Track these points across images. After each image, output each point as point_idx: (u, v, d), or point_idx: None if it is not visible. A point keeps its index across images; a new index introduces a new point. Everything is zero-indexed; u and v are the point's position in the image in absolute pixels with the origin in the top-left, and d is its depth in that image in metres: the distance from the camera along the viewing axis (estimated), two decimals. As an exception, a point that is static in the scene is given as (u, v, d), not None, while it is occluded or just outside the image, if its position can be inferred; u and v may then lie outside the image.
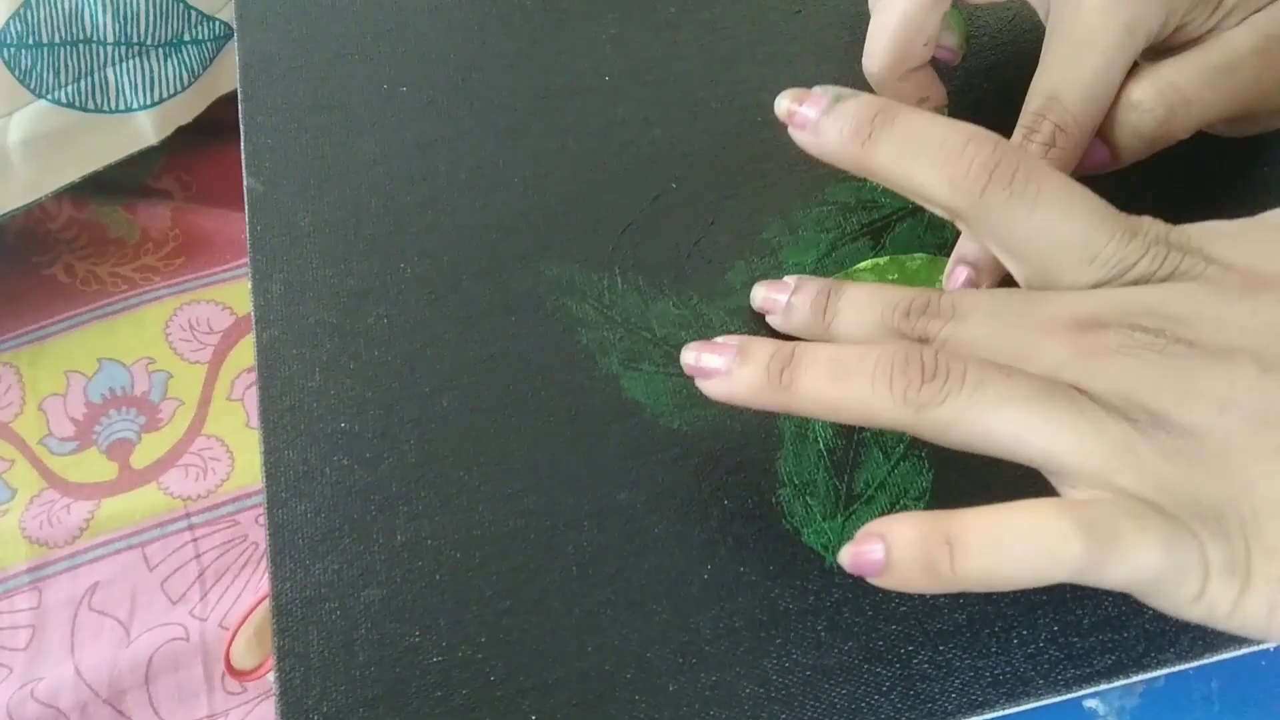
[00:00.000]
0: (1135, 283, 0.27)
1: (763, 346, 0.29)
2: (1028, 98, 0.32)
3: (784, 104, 0.30)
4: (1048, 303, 0.27)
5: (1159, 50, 0.32)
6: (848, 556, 0.26)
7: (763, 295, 0.34)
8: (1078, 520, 0.24)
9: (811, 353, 0.28)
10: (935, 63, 0.37)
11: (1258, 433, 0.24)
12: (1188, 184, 0.37)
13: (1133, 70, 0.32)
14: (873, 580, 0.25)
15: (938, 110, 0.36)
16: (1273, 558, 0.24)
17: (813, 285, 0.32)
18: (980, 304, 0.28)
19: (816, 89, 0.29)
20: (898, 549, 0.25)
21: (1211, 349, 0.25)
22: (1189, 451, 0.24)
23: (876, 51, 0.35)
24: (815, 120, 0.29)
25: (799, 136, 0.30)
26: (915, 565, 0.25)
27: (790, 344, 0.28)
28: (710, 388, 0.30)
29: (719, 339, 0.30)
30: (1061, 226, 0.27)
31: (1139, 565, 0.24)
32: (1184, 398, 0.25)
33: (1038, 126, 0.32)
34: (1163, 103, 0.32)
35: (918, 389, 0.26)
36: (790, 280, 0.33)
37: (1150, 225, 0.27)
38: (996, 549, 0.24)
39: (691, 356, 0.30)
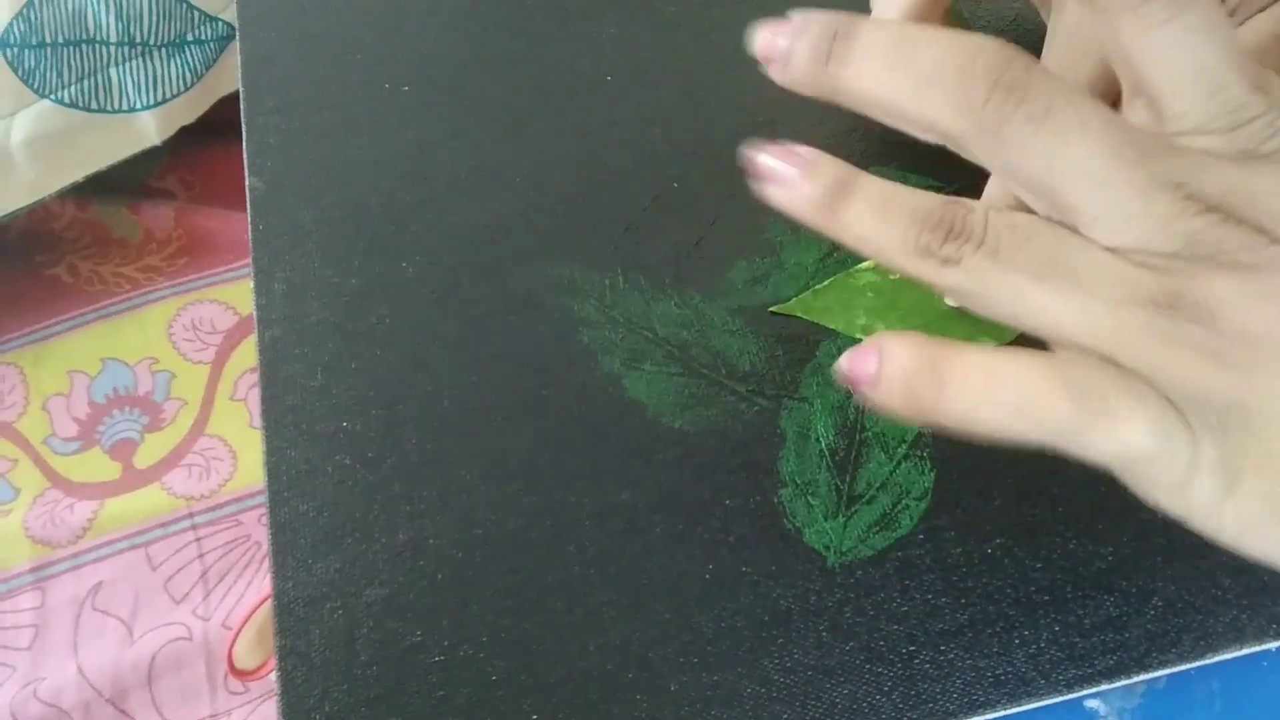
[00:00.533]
0: (1243, 146, 0.23)
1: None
2: None
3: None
4: (1149, 157, 0.23)
5: None
6: (845, 362, 0.24)
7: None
8: (1070, 380, 0.23)
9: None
10: None
11: None
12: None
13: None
14: (865, 391, 0.24)
15: None
16: (1266, 465, 0.23)
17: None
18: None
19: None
20: (888, 366, 0.24)
21: None
22: (1219, 351, 0.22)
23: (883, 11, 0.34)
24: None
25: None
26: (899, 387, 0.24)
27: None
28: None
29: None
30: (1200, 40, 0.23)
31: (1125, 441, 0.22)
32: (1250, 301, 0.22)
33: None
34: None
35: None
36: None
37: (1277, 82, 0.24)
38: (980, 392, 0.23)
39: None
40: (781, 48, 0.25)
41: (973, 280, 0.23)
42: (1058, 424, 0.23)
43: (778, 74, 0.26)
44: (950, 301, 0.35)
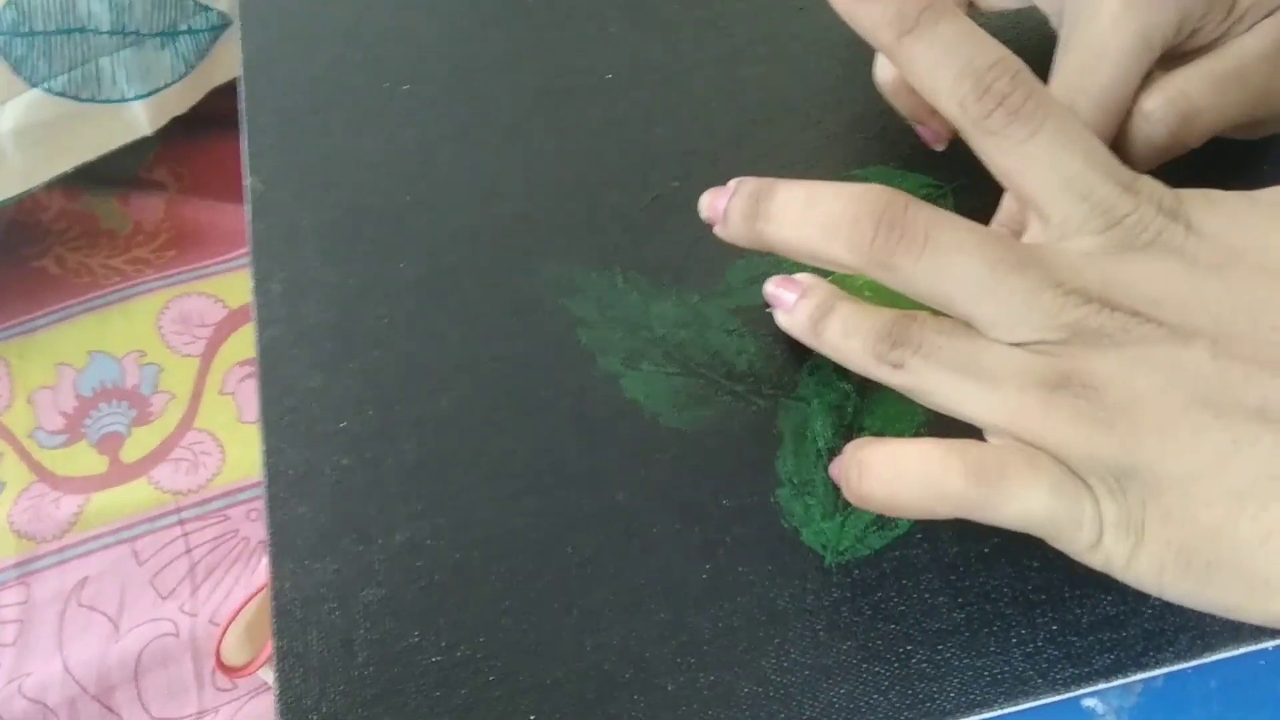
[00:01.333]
0: (1119, 241, 0.27)
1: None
2: None
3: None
4: (1026, 264, 0.27)
5: (1170, 57, 0.32)
6: (832, 469, 0.31)
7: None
8: (965, 459, 0.26)
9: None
10: None
11: (1187, 411, 0.25)
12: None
13: (1148, 82, 0.32)
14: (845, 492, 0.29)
15: (949, 128, 0.36)
16: (1167, 523, 0.25)
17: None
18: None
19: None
20: (838, 468, 0.30)
21: (1174, 329, 0.26)
22: (1106, 420, 0.26)
23: (885, 62, 0.35)
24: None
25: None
26: (841, 481, 0.29)
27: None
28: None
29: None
30: (1063, 155, 0.27)
31: (1027, 506, 0.26)
32: (1129, 373, 0.26)
33: None
34: (1174, 111, 0.32)
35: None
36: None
37: (1149, 185, 0.28)
38: (892, 477, 0.28)
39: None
40: (719, 208, 0.30)
41: (913, 379, 0.28)
42: (960, 498, 0.26)
43: (720, 231, 0.31)
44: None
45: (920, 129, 0.37)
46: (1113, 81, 0.31)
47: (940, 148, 0.37)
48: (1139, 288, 0.26)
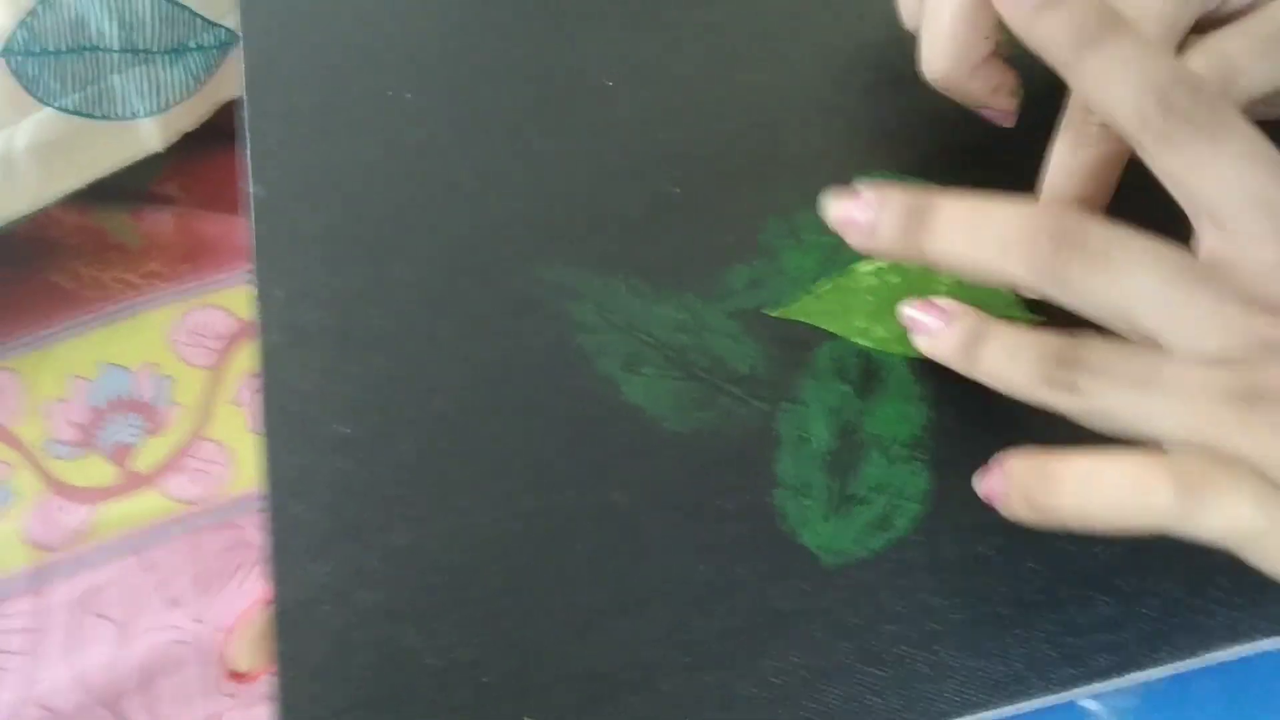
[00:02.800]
0: None
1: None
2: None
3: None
4: (1205, 278, 0.27)
5: (1205, 24, 0.32)
6: (978, 485, 0.30)
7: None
8: (1171, 469, 0.26)
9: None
10: None
11: None
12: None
13: (1188, 42, 0.32)
14: (998, 507, 0.29)
15: (1013, 94, 0.36)
16: None
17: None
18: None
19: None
20: (1011, 480, 0.28)
21: None
22: None
23: (938, 54, 0.34)
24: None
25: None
26: (1020, 496, 0.28)
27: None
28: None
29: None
30: (1248, 169, 0.27)
31: (1232, 518, 0.25)
32: None
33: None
34: (1215, 73, 0.31)
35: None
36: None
37: None
38: (1088, 490, 0.27)
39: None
40: (861, 220, 0.30)
41: (1087, 401, 0.27)
42: (1166, 510, 0.25)
43: (858, 241, 0.30)
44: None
45: (985, 112, 0.36)
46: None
47: (1010, 124, 0.36)
48: None
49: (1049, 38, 0.28)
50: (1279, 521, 0.25)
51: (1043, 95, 0.33)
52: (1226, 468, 0.25)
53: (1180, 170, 0.27)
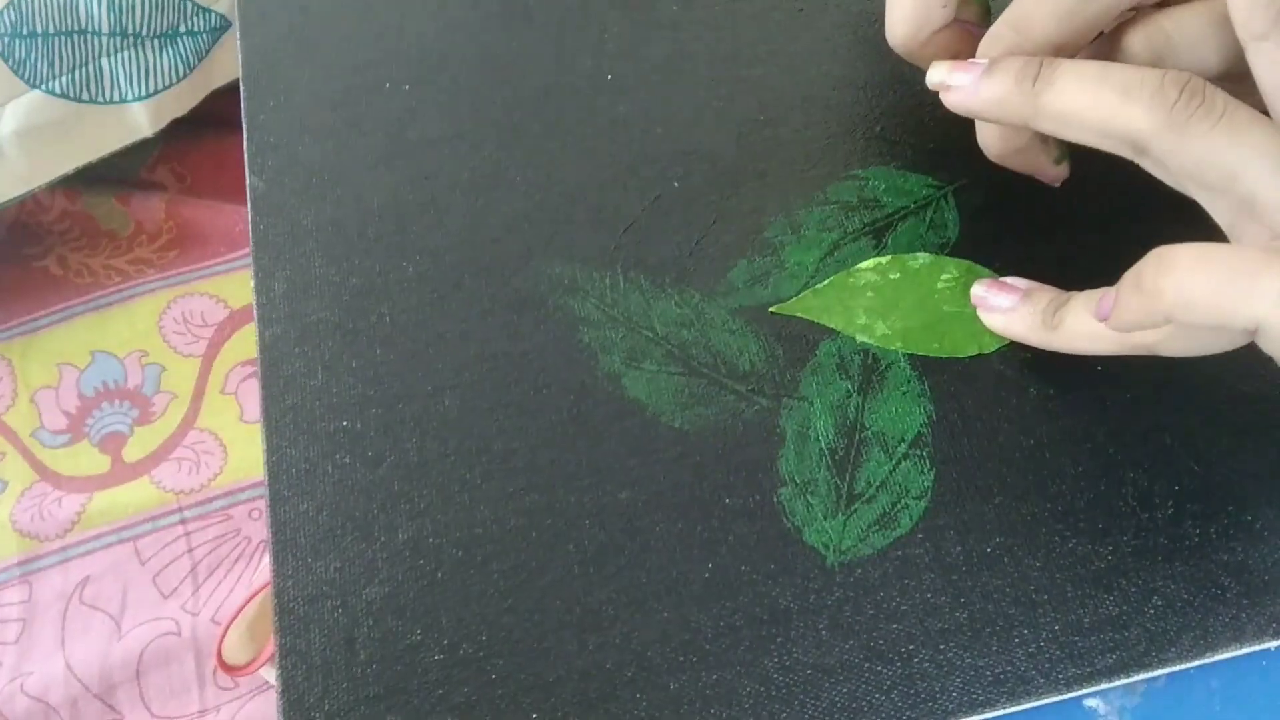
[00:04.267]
0: None
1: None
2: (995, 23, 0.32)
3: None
4: None
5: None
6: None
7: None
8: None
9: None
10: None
11: None
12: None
13: (1132, 18, 0.32)
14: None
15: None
16: None
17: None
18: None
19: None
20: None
21: None
22: None
23: (897, 19, 0.34)
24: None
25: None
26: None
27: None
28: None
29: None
30: None
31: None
32: None
33: (998, 38, 0.31)
34: (1150, 49, 0.31)
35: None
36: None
37: None
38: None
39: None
40: (968, 77, 0.30)
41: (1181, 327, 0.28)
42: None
43: (959, 98, 0.31)
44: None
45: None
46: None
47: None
48: None
49: None
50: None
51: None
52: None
53: None
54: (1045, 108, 0.29)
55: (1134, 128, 0.28)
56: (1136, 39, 0.31)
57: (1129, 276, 0.28)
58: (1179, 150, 0.27)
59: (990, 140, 0.35)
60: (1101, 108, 0.28)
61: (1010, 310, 0.33)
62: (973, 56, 0.35)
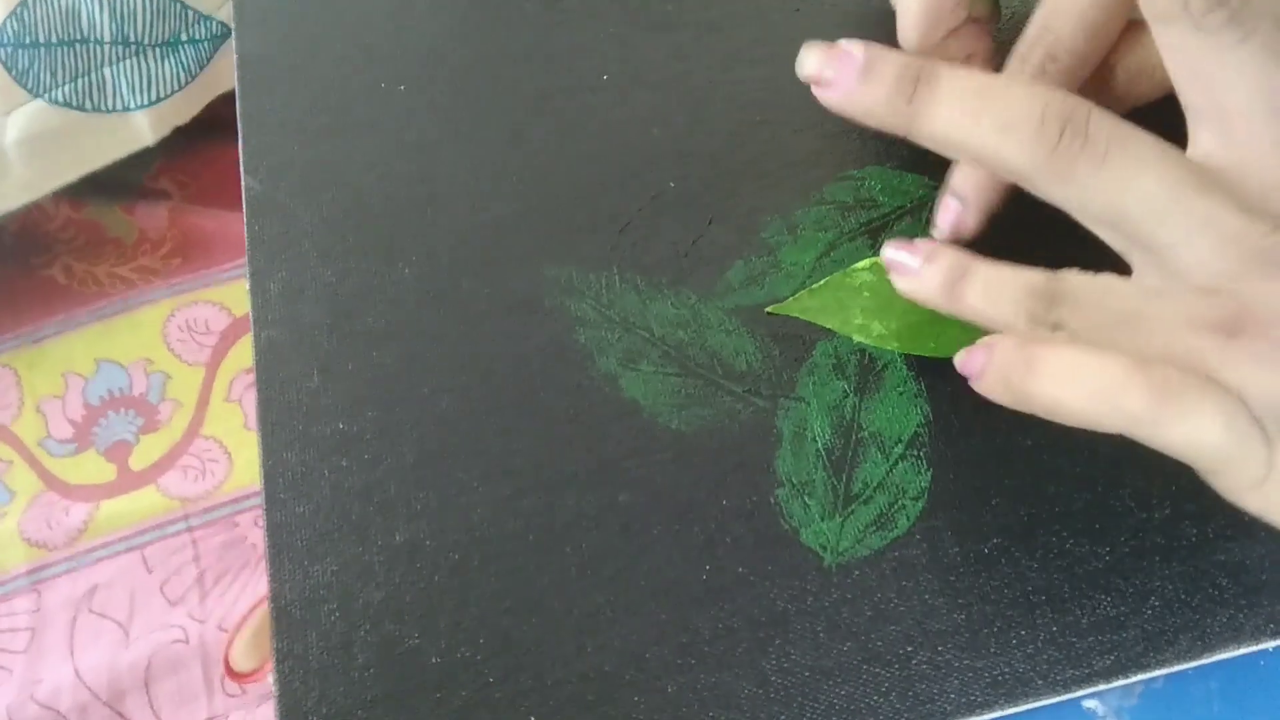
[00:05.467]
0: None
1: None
2: (1027, 24, 0.32)
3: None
4: (1209, 188, 0.26)
5: None
6: (959, 358, 0.29)
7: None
8: (1149, 375, 0.25)
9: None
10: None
11: None
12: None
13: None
14: (973, 383, 0.29)
15: (986, 63, 0.35)
16: None
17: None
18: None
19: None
20: (993, 357, 0.28)
21: None
22: None
23: (910, 21, 0.34)
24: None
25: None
26: (999, 374, 0.28)
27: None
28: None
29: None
30: (1272, 68, 0.25)
31: (1198, 434, 0.25)
32: None
33: (1029, 55, 0.31)
34: (1133, 58, 0.32)
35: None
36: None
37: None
38: (1066, 381, 0.26)
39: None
40: (843, 79, 0.27)
41: (1072, 339, 0.27)
42: (1135, 411, 0.25)
43: (834, 102, 0.28)
44: None
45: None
46: (1093, 2, 0.30)
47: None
48: None
49: None
50: (1246, 448, 0.25)
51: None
52: (1205, 384, 0.25)
53: (1202, 59, 0.26)
54: (921, 128, 0.27)
55: (1013, 166, 0.26)
56: (1124, 52, 0.32)
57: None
58: (1062, 192, 0.26)
59: (909, 35, 0.33)
60: (979, 141, 0.27)
61: (916, 274, 0.30)
62: (988, 57, 0.35)
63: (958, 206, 0.33)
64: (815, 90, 0.28)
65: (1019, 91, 0.26)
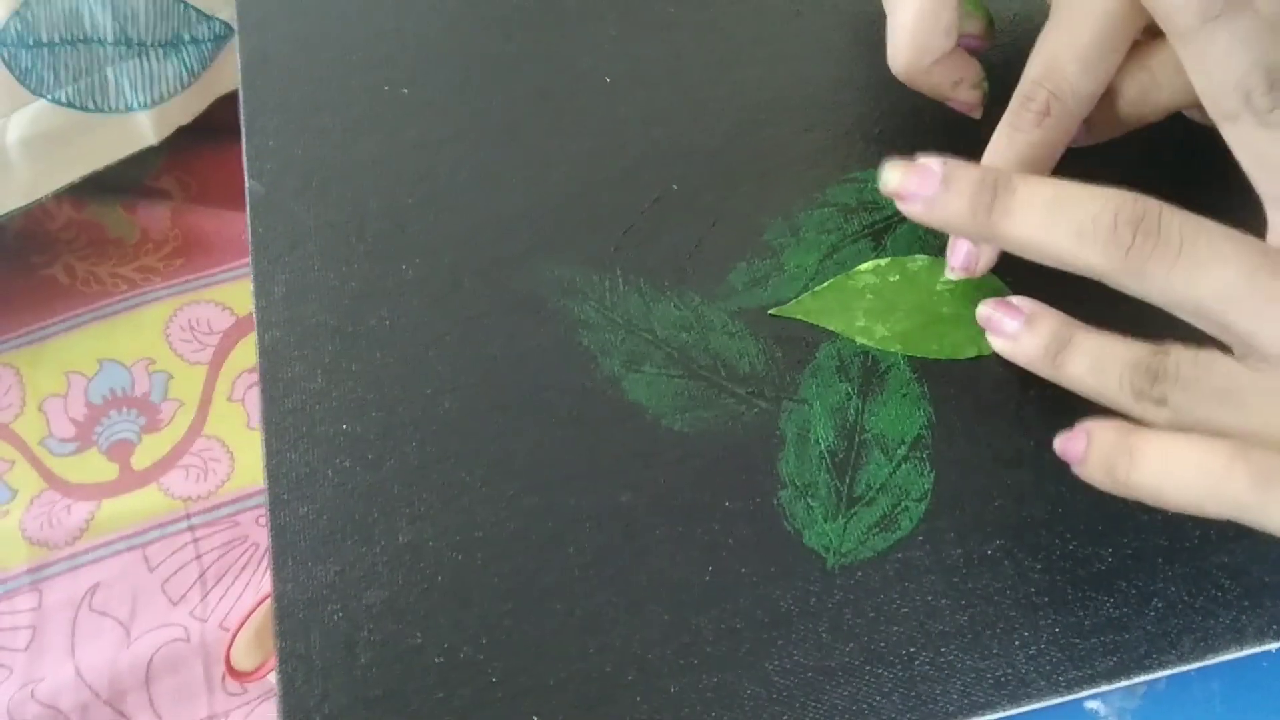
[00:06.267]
0: None
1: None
2: (1027, 65, 0.32)
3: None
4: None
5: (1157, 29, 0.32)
6: (1059, 443, 0.30)
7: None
8: (1249, 462, 0.25)
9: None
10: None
11: None
12: (1154, 168, 0.37)
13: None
14: (1074, 468, 0.29)
15: (975, 86, 0.36)
16: None
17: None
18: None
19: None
20: (1093, 445, 0.28)
21: None
22: None
23: (899, 49, 0.34)
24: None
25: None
26: (1101, 463, 0.28)
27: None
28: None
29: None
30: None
31: None
32: None
33: (1033, 94, 0.31)
34: (1134, 84, 0.32)
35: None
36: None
37: None
38: (1168, 471, 0.27)
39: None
40: (925, 192, 0.29)
41: (1176, 415, 0.27)
42: (1240, 500, 0.26)
43: (918, 212, 0.29)
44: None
45: (952, 103, 0.36)
46: (1096, 41, 0.31)
47: (977, 115, 0.37)
48: None
49: (1174, 6, 0.28)
50: None
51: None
52: None
53: (1268, 150, 0.27)
54: (1003, 237, 0.29)
55: (1093, 269, 0.27)
56: (1125, 79, 0.32)
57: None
58: (1141, 293, 0.27)
59: (899, 61, 0.34)
60: (1058, 247, 0.28)
61: (1014, 338, 0.31)
62: (976, 82, 0.36)
63: (968, 245, 0.33)
64: (899, 204, 0.30)
65: (1091, 197, 0.27)
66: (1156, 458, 0.27)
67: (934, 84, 0.35)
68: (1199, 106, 0.32)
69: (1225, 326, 0.27)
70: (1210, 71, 0.28)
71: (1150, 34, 0.32)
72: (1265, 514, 0.26)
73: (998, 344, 0.32)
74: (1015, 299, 0.32)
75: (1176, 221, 0.27)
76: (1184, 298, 0.27)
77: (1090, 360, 0.29)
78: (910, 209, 0.30)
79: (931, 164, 0.29)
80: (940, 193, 0.29)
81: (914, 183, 0.29)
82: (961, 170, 0.29)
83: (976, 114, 0.37)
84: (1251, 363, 0.27)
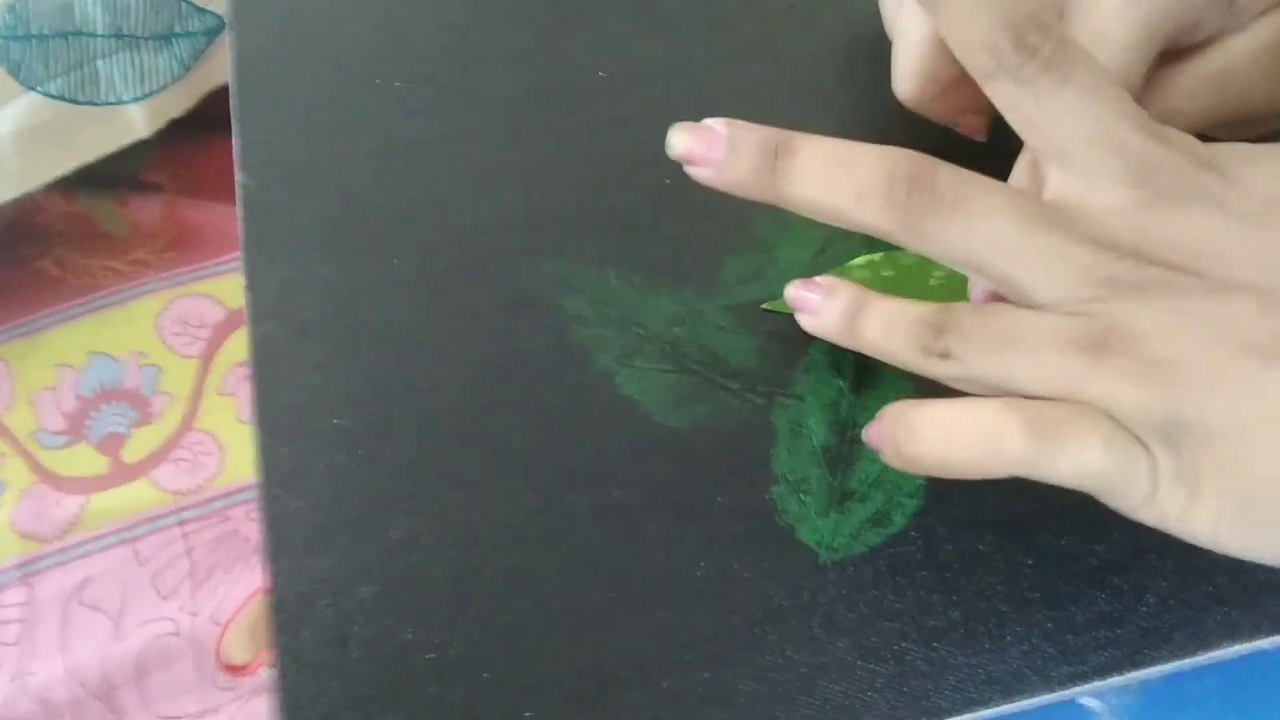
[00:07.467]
0: (1153, 194, 0.27)
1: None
2: None
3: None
4: (1059, 222, 0.27)
5: (1168, 53, 0.32)
6: (866, 434, 0.30)
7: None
8: (1021, 415, 0.26)
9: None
10: None
11: (1235, 361, 0.25)
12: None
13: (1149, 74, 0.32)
14: (880, 456, 0.29)
15: (980, 113, 0.36)
16: (1222, 474, 0.25)
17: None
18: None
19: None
20: (881, 426, 0.29)
21: (1218, 281, 0.26)
22: (1151, 375, 0.26)
23: (905, 79, 0.35)
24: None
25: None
26: (888, 444, 0.28)
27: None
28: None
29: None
30: (1093, 106, 0.27)
31: (1083, 462, 0.26)
32: (1170, 328, 0.26)
33: None
34: (1152, 110, 0.32)
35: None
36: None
37: (1180, 137, 0.28)
38: (946, 439, 0.27)
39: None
40: (711, 156, 0.28)
41: (961, 367, 0.28)
42: (1019, 456, 0.26)
43: (705, 176, 0.29)
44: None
45: (959, 129, 0.37)
46: (1116, 77, 0.31)
47: (982, 139, 0.37)
48: (1176, 240, 0.26)
49: None
50: (1129, 465, 0.26)
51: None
52: (1078, 413, 0.26)
53: (1028, 108, 0.27)
54: (787, 199, 0.28)
55: (873, 229, 0.28)
56: (1146, 100, 0.32)
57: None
58: (919, 248, 0.28)
59: (904, 89, 0.35)
60: (838, 207, 0.28)
61: (817, 312, 0.31)
62: (982, 107, 0.35)
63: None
64: (687, 169, 0.29)
65: (868, 156, 0.27)
66: (931, 424, 0.27)
67: (940, 111, 0.36)
68: (1222, 125, 0.32)
69: (1003, 278, 0.27)
70: (960, 32, 0.28)
71: (1162, 61, 0.32)
72: (1049, 466, 0.26)
73: (806, 322, 0.32)
74: (819, 277, 0.32)
75: (950, 177, 0.27)
76: (963, 252, 0.27)
77: (882, 321, 0.29)
78: (699, 174, 0.29)
79: (715, 125, 0.29)
80: (726, 156, 0.28)
81: (701, 147, 0.29)
82: (744, 131, 0.28)
83: (981, 138, 0.37)
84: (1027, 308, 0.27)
